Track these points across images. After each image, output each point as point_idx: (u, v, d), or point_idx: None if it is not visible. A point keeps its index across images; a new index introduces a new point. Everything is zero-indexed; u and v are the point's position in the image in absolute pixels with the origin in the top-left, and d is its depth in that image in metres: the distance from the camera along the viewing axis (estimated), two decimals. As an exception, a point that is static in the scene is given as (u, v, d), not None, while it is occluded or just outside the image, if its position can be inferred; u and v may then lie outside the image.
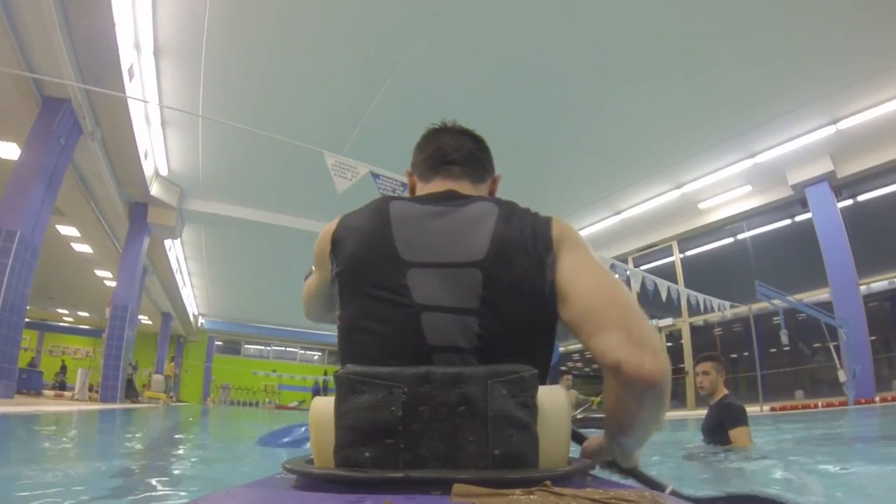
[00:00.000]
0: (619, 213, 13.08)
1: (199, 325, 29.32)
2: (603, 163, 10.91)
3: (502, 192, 1.28)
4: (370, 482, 0.77)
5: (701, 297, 9.74)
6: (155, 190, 11.49)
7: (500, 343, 0.94)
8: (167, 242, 15.03)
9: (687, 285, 12.74)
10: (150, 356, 25.11)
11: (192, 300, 24.49)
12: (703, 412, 7.40)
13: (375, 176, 5.38)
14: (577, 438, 1.13)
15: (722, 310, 10.17)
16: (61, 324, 29.07)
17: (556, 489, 0.65)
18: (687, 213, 12.89)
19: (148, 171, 10.75)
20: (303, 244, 13.22)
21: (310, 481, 0.82)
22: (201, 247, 17.06)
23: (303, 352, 33.43)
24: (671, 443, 5.39)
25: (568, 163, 10.88)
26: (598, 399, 8.97)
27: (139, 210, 11.94)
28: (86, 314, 27.13)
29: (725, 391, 3.92)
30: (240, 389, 30.22)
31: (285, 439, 3.95)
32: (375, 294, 0.98)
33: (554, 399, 0.88)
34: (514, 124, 9.49)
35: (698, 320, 12.88)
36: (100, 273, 18.34)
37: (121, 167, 10.31)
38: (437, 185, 1.20)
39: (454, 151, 1.23)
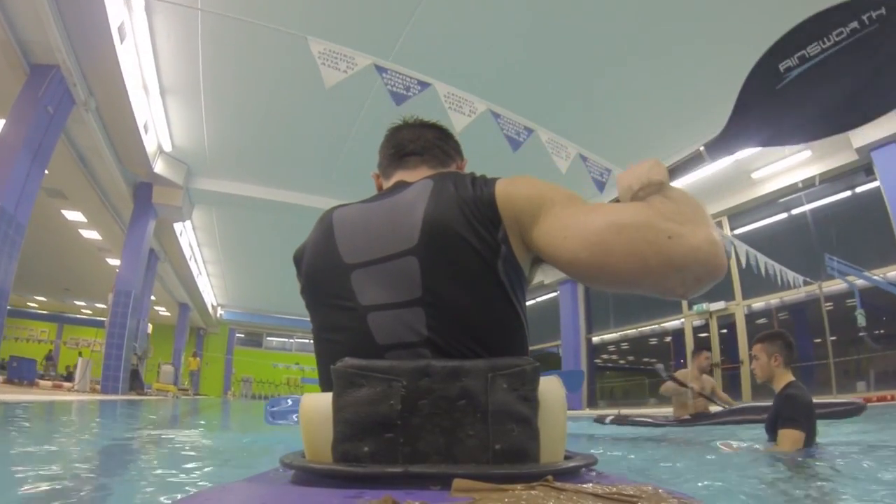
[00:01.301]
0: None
1: (219, 316, 29.33)
2: (650, 126, 10.06)
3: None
4: (369, 477, 0.77)
5: (778, 267, 8.77)
6: (159, 167, 11.12)
7: (454, 331, 0.92)
8: (178, 227, 14.76)
9: (739, 266, 11.94)
10: (170, 348, 25.23)
11: (209, 290, 24.40)
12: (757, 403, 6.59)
13: (381, 70, 4.50)
14: None
15: (797, 285, 9.27)
16: (79, 316, 29.45)
17: (558, 484, 0.65)
18: (739, 184, 11.96)
19: (150, 146, 10.37)
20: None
21: (308, 476, 0.83)
22: (214, 231, 16.73)
23: (327, 344, 33.23)
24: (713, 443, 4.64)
25: (609, 122, 10.05)
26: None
27: (144, 190, 11.62)
28: (102, 306, 27.38)
29: (790, 378, 3.28)
30: (261, 383, 30.21)
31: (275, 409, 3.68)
32: (330, 303, 1.01)
33: (552, 392, 0.87)
34: (557, 68, 8.60)
35: (744, 305, 12.04)
36: (112, 262, 18.24)
37: (120, 142, 9.95)
38: (396, 179, 1.21)
39: (411, 143, 1.26)
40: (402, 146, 1.26)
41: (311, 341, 1.09)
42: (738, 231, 12.85)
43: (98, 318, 28.89)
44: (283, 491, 0.77)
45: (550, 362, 17.38)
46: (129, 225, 11.73)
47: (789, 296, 11.27)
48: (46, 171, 10.52)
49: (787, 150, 10.72)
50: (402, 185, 1.11)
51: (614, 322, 16.12)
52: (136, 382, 11.99)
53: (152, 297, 21.66)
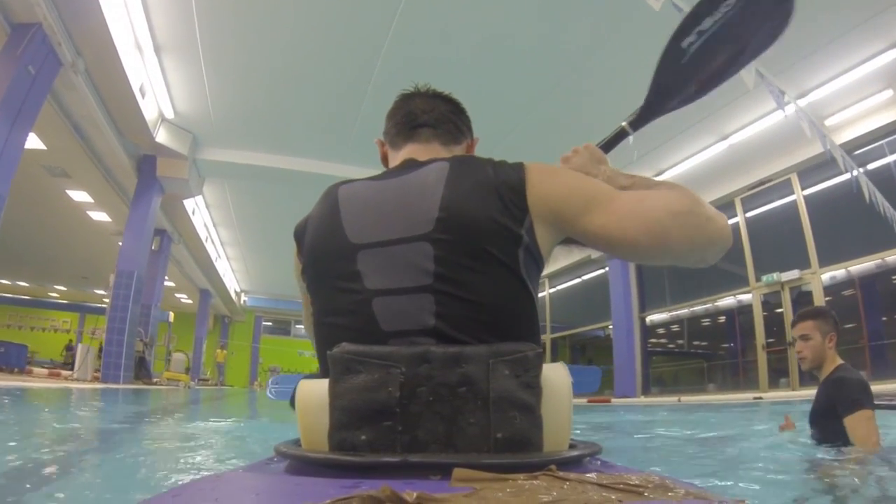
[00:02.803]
0: (725, 137, 11.13)
1: (243, 303, 29.46)
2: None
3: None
4: (366, 466, 0.77)
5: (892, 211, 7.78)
6: (162, 137, 10.83)
7: (463, 320, 0.92)
8: (189, 205, 14.55)
9: (815, 232, 11.05)
10: (191, 337, 25.50)
11: (230, 274, 24.38)
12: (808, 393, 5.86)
13: None
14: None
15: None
16: (101, 305, 29.95)
17: (561, 473, 0.66)
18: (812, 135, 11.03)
19: (149, 113, 10.07)
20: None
21: (303, 465, 0.83)
22: (229, 208, 16.47)
23: (359, 331, 33.31)
24: (758, 446, 3.93)
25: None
26: None
27: (147, 163, 11.40)
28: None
29: (839, 361, 2.90)
30: (290, 373, 30.33)
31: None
32: (334, 284, 0.99)
33: (556, 379, 0.87)
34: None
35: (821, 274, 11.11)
36: (125, 246, 18.32)
37: (117, 109, 9.67)
38: (406, 153, 1.22)
39: (423, 114, 1.26)
40: (414, 116, 1.26)
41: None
42: (809, 192, 11.85)
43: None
44: (278, 480, 0.79)
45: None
46: (133, 200, 11.50)
47: (856, 266, 10.51)
48: (45, 147, 10.44)
49: (864, 92, 9.79)
50: (413, 164, 1.10)
51: (671, 299, 15.15)
52: (142, 371, 11.82)
53: (171, 284, 21.77)
